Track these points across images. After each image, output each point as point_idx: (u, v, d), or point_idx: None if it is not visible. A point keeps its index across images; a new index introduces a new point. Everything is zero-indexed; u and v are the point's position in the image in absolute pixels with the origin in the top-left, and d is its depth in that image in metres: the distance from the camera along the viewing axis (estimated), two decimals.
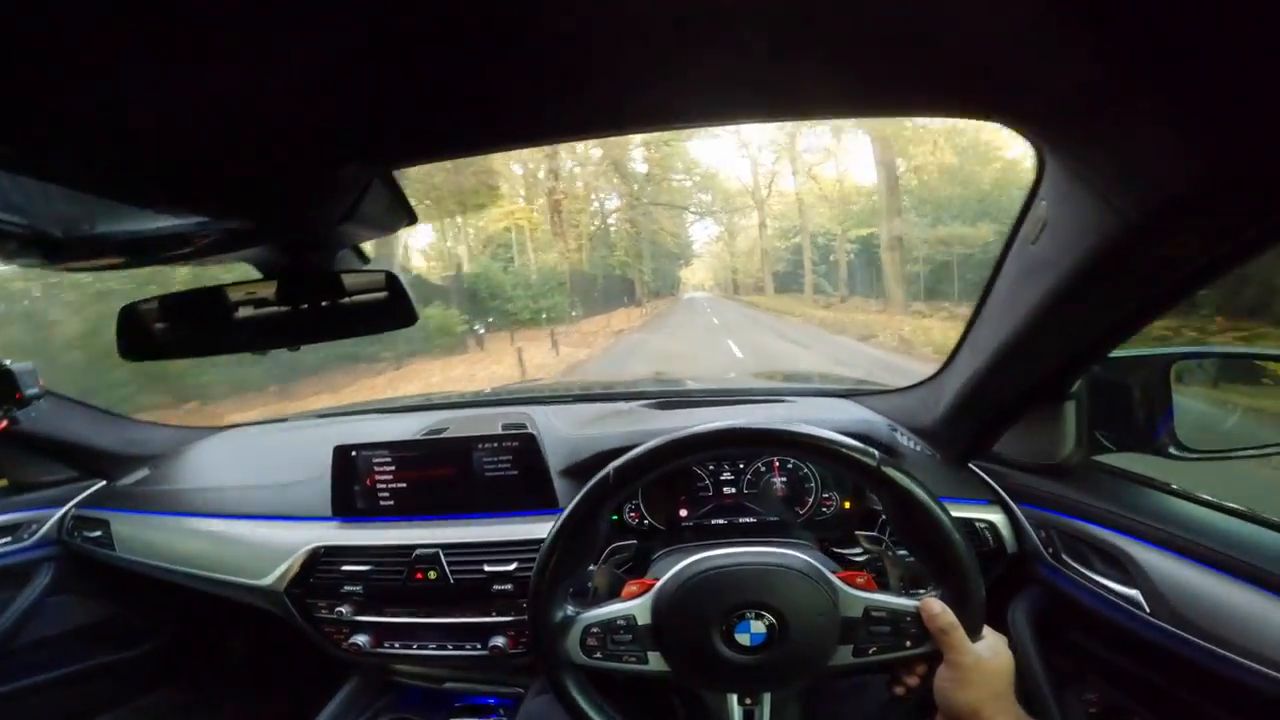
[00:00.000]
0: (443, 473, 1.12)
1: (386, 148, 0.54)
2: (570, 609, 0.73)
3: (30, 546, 1.35)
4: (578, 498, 0.73)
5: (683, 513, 1.10)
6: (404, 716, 1.20)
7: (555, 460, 1.12)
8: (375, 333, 0.71)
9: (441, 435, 1.20)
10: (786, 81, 0.47)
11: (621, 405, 1.37)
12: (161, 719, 1.53)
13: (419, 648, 1.09)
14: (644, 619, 0.71)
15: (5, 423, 1.07)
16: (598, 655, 0.71)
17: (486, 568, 1.04)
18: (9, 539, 1.33)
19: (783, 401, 1.32)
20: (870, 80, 0.47)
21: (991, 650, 0.67)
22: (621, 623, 0.71)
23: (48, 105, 0.36)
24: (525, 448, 1.10)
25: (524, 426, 1.20)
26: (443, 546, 1.05)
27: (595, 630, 0.71)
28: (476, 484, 1.11)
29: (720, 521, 1.10)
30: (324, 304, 0.69)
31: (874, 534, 0.87)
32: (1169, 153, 0.46)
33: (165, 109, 0.39)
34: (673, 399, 1.38)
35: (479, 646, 1.07)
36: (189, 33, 0.31)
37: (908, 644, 0.68)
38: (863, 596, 0.69)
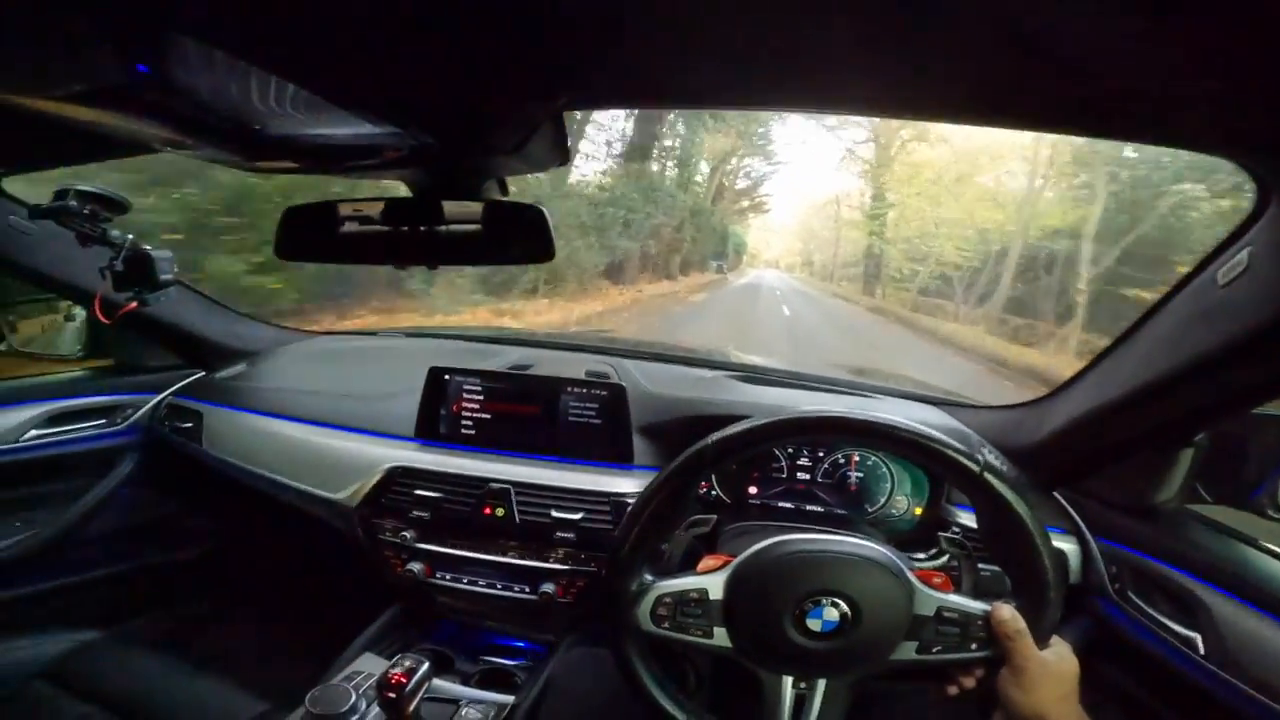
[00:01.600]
0: (527, 410, 1.14)
1: (575, 88, 0.56)
2: (647, 576, 0.74)
3: (121, 431, 1.41)
4: (675, 464, 0.74)
5: (752, 490, 1.11)
6: (436, 648, 1.22)
7: (637, 416, 1.13)
8: (515, 264, 0.74)
9: (529, 372, 1.22)
10: (1014, 87, 0.46)
11: (704, 372, 1.37)
12: (201, 624, 1.58)
13: (469, 583, 1.11)
14: (717, 594, 0.72)
15: (135, 304, 1.14)
16: (666, 625, 0.73)
17: (554, 513, 1.06)
18: (104, 421, 1.39)
19: (870, 398, 1.30)
20: (1105, 101, 0.46)
21: (1058, 658, 0.68)
22: (694, 595, 0.72)
23: None
24: (613, 398, 1.11)
25: (608, 376, 1.21)
26: (515, 484, 1.08)
27: (668, 600, 0.72)
28: (558, 426, 1.13)
29: (788, 505, 1.10)
30: (470, 228, 0.72)
31: (957, 536, 0.87)
32: None
33: (388, 11, 0.42)
34: (758, 376, 1.37)
35: (528, 590, 1.09)
36: None
37: (973, 646, 0.69)
38: (938, 596, 0.70)
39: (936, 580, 0.73)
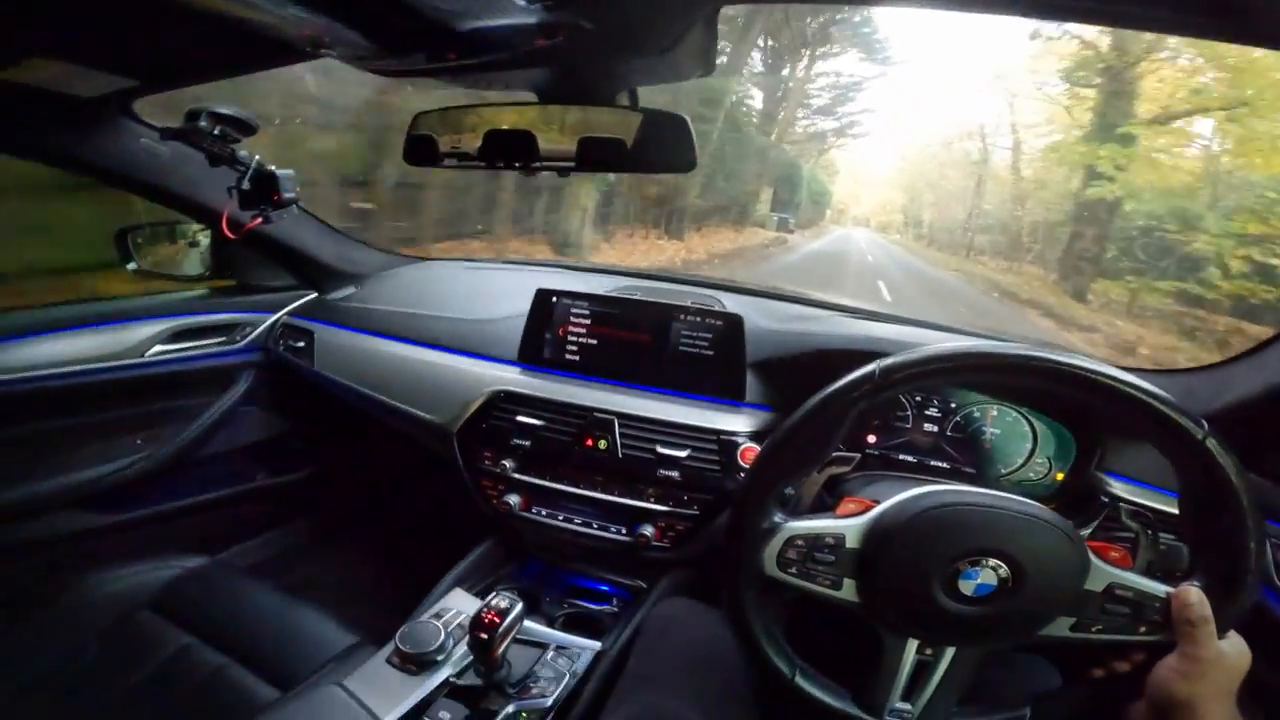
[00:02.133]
0: (637, 337, 1.11)
1: None
2: (777, 516, 0.68)
3: (239, 350, 1.48)
4: (830, 391, 0.65)
5: (871, 439, 1.04)
6: (524, 587, 1.21)
7: (750, 351, 1.07)
8: (657, 172, 0.70)
9: (638, 298, 1.17)
10: None
11: (819, 311, 1.29)
12: (300, 553, 1.65)
13: (565, 520, 1.11)
14: (854, 542, 0.64)
15: (259, 220, 1.19)
16: (792, 571, 0.66)
17: (659, 449, 1.03)
18: (224, 339, 1.46)
19: (1001, 339, 1.17)
20: None
21: (1234, 648, 0.61)
22: (830, 540, 0.65)
23: None
24: (728, 328, 1.06)
25: (717, 307, 1.15)
26: (619, 415, 1.06)
27: (799, 543, 0.65)
28: (667, 357, 1.09)
29: (909, 458, 1.03)
30: (610, 133, 0.68)
31: (1140, 509, 0.78)
32: None
33: None
34: (875, 314, 1.27)
35: (624, 531, 1.08)
36: None
37: (1142, 630, 0.61)
38: (1113, 571, 0.61)
39: (1114, 554, 0.65)
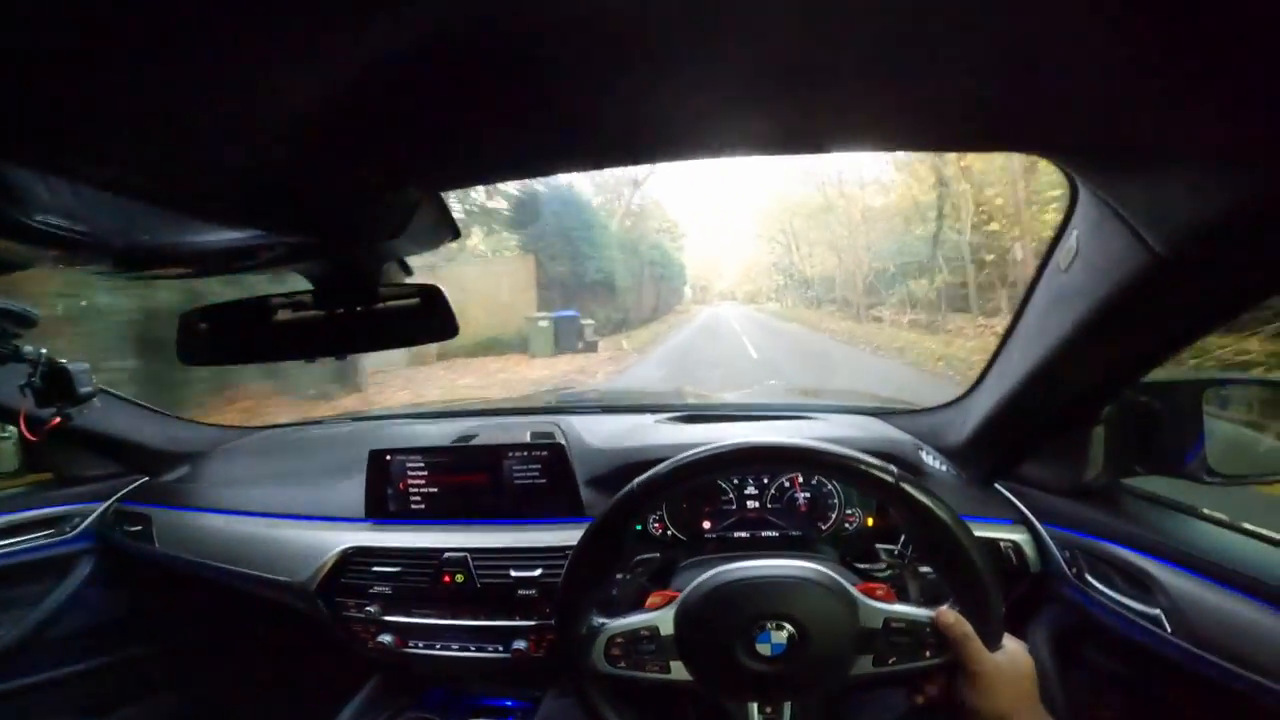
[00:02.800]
0: (473, 479, 1.15)
1: (440, 172, 0.57)
2: (596, 619, 0.75)
3: (72, 539, 1.39)
4: (605, 510, 0.75)
5: (706, 525, 1.12)
6: (424, 716, 1.22)
7: (582, 470, 1.14)
8: (419, 343, 0.74)
9: (472, 442, 1.23)
10: (818, 114, 0.48)
11: (647, 418, 1.39)
12: (182, 713, 1.56)
13: (442, 648, 1.11)
14: (667, 629, 0.72)
15: (59, 420, 1.12)
16: (622, 665, 0.73)
17: (513, 573, 1.06)
18: (52, 531, 1.37)
19: (810, 419, 1.33)
20: (903, 116, 0.48)
21: (1011, 659, 0.68)
22: (645, 633, 0.73)
23: (111, 111, 0.37)
24: (554, 457, 1.12)
25: (552, 436, 1.23)
26: (471, 551, 1.08)
27: (620, 640, 0.73)
28: (505, 491, 1.14)
29: (743, 534, 1.11)
30: (370, 315, 0.72)
31: (895, 548, 0.89)
32: (1201, 190, 0.48)
33: (231, 125, 0.42)
34: (699, 413, 1.39)
35: (501, 649, 1.08)
36: (250, 33, 0.32)
37: (927, 654, 0.69)
38: (882, 608, 0.70)
39: (879, 592, 0.74)
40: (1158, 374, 0.82)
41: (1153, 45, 0.35)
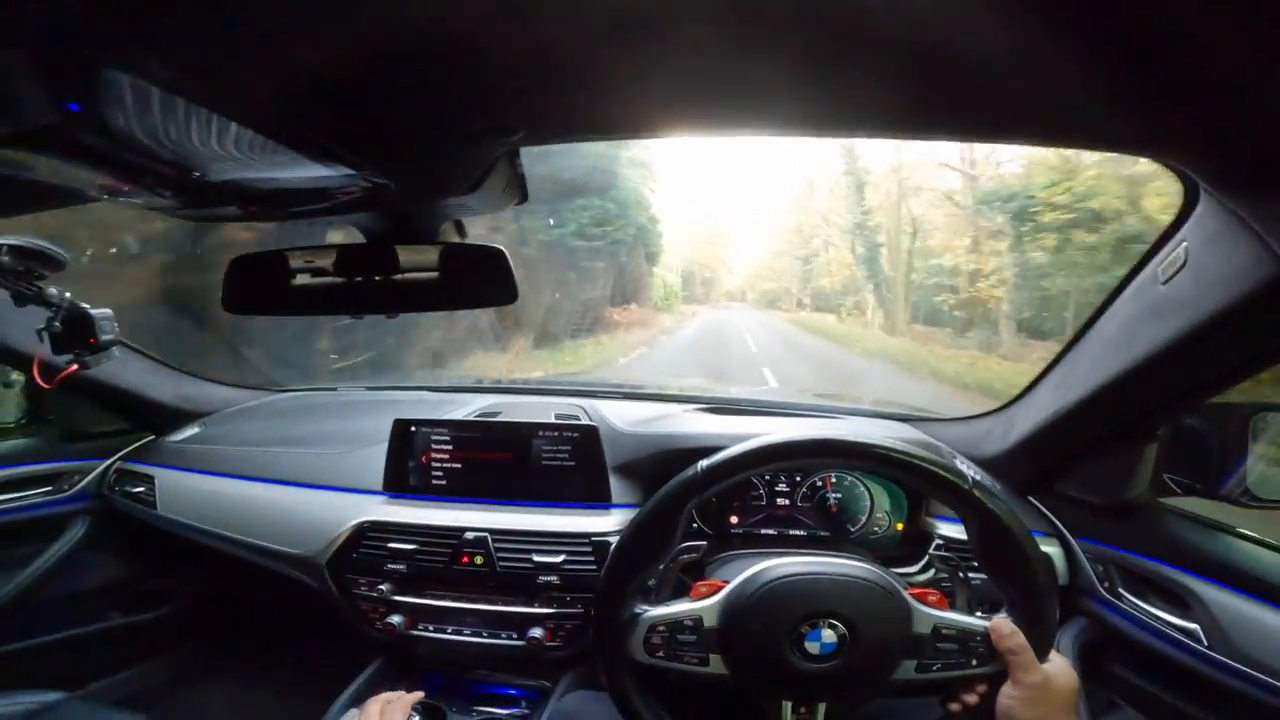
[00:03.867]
0: (499, 457, 1.12)
1: (526, 123, 0.55)
2: (638, 607, 0.73)
3: (68, 498, 1.36)
4: (665, 491, 0.73)
5: (733, 520, 1.10)
6: (427, 701, 1.20)
7: (611, 456, 1.12)
8: (477, 306, 0.72)
9: (497, 419, 1.20)
10: (934, 99, 0.47)
11: (674, 407, 1.37)
12: (174, 682, 1.53)
13: (454, 633, 1.08)
14: (711, 621, 0.71)
15: (75, 366, 1.09)
16: (660, 654, 0.71)
17: (535, 558, 1.04)
18: (48, 489, 1.34)
19: (838, 418, 1.31)
20: (1028, 108, 0.47)
21: (1059, 672, 0.68)
22: (689, 623, 0.71)
23: (219, 32, 0.36)
24: (585, 439, 1.10)
25: (578, 418, 1.21)
26: (492, 532, 1.05)
27: (661, 629, 0.71)
28: (532, 471, 1.11)
29: (770, 532, 1.10)
30: (430, 272, 0.70)
31: (946, 554, 0.88)
32: None
33: (333, 55, 0.41)
34: (726, 406, 1.37)
35: (515, 636, 1.06)
36: None
37: (973, 663, 0.68)
38: (934, 614, 0.69)
39: (931, 598, 0.72)
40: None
41: None
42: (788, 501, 1.10)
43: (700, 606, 0.72)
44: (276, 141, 0.49)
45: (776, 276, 27.02)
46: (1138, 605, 0.87)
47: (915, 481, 0.71)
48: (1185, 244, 0.65)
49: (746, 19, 0.37)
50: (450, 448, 1.13)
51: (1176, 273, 0.66)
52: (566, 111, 0.54)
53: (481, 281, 0.71)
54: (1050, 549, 0.98)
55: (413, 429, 1.14)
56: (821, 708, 0.71)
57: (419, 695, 0.91)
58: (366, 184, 0.58)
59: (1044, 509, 1.03)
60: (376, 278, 0.71)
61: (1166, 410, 0.82)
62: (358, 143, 0.52)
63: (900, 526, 1.08)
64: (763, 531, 1.09)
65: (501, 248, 0.70)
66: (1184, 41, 0.36)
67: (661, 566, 0.85)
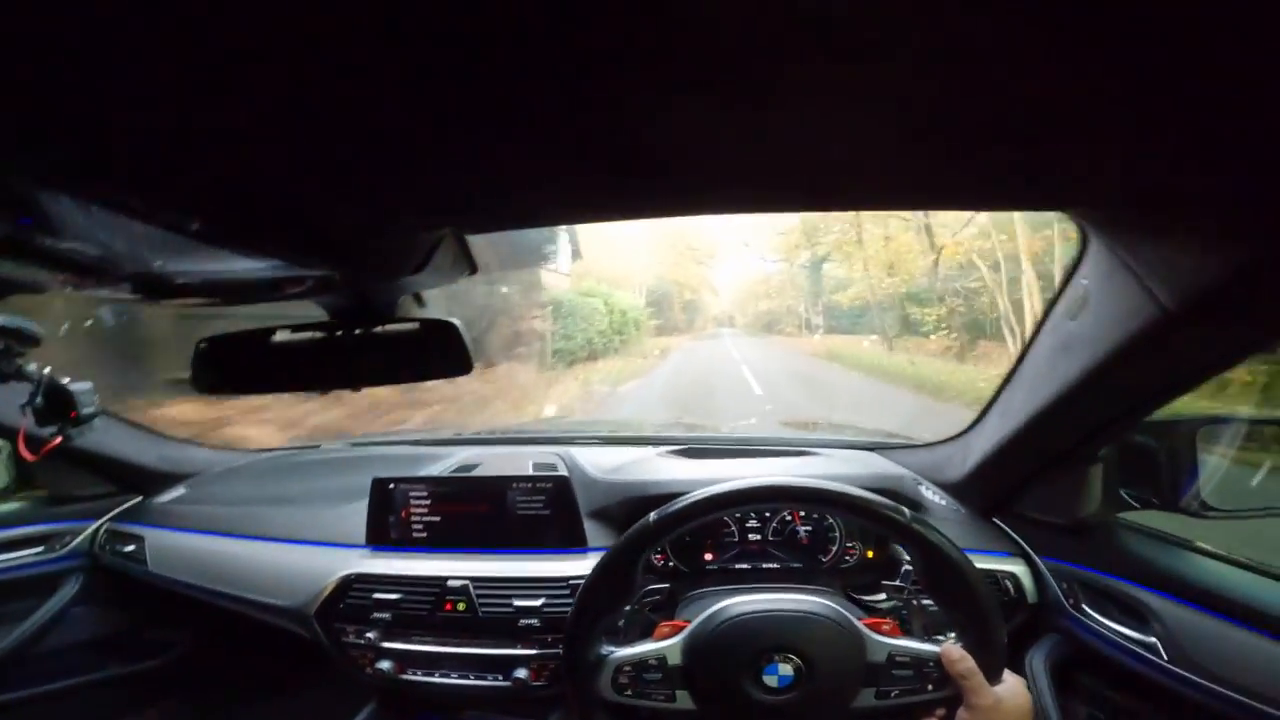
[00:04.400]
0: (477, 509, 1.15)
1: (465, 218, 0.58)
2: (604, 648, 0.76)
3: (60, 557, 1.38)
4: (619, 542, 0.76)
5: (708, 557, 1.13)
6: None
7: (585, 502, 1.15)
8: (433, 379, 0.75)
9: (475, 472, 1.24)
10: (842, 172, 0.50)
11: (650, 451, 1.40)
12: None
13: (442, 676, 1.10)
14: (675, 659, 0.74)
15: (59, 439, 1.11)
16: (628, 693, 0.75)
17: (515, 602, 1.06)
18: (41, 548, 1.36)
19: (808, 454, 1.34)
20: (927, 175, 0.50)
21: (1010, 693, 0.71)
22: (653, 662, 0.75)
23: (156, 148, 0.39)
24: (558, 489, 1.13)
25: (555, 468, 1.24)
26: (473, 580, 1.08)
27: (628, 669, 0.75)
28: (509, 521, 1.14)
29: (745, 566, 1.12)
30: (384, 348, 0.73)
31: (898, 583, 0.90)
32: (1208, 246, 0.50)
33: (259, 156, 0.43)
34: (700, 447, 1.41)
35: (501, 678, 1.08)
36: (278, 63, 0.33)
37: (929, 687, 0.71)
38: (887, 642, 0.73)
39: (885, 627, 0.76)
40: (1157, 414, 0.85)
41: (1167, 103, 0.37)
42: (759, 536, 1.13)
43: (664, 646, 0.75)
44: (216, 244, 0.52)
45: (775, 293, 22.87)
46: (1100, 621, 0.89)
47: (857, 519, 0.74)
48: (1085, 283, 0.69)
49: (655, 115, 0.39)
50: (429, 502, 1.16)
51: (1080, 311, 0.70)
52: (498, 205, 0.56)
53: (437, 354, 0.73)
54: (1017, 568, 1.01)
55: (391, 486, 1.17)
56: None
57: None
58: (314, 274, 0.61)
59: (1008, 529, 1.06)
60: (340, 355, 0.74)
61: (1097, 436, 0.85)
62: (295, 242, 0.54)
63: (871, 554, 1.10)
64: (737, 566, 1.12)
65: (454, 321, 0.73)
66: (1059, 110, 0.39)
67: (626, 609, 0.88)
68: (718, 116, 0.40)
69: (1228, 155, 0.41)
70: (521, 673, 1.06)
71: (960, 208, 0.56)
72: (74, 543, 1.40)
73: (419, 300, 0.82)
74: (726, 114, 0.40)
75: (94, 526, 1.42)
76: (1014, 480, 1.01)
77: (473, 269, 0.75)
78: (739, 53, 0.32)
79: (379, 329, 0.72)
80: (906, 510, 0.71)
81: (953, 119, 0.40)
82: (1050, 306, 0.77)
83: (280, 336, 0.74)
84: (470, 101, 0.38)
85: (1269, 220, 0.45)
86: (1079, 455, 0.90)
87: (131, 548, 1.35)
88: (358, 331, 0.73)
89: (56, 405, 1.08)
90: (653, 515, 0.75)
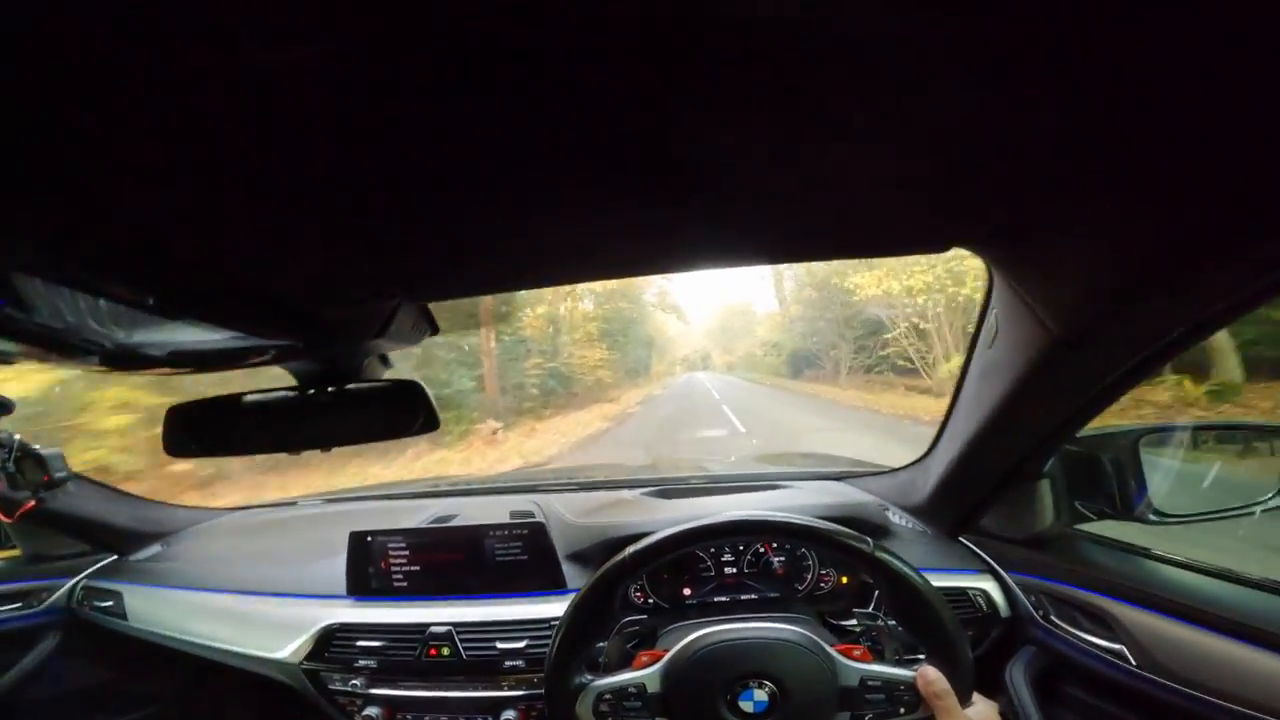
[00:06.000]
0: (455, 557, 1.16)
1: (419, 288, 0.61)
2: (584, 677, 0.78)
3: (38, 613, 1.36)
4: (595, 577, 0.78)
5: (686, 591, 1.14)
6: None
7: (562, 545, 1.16)
8: (402, 436, 0.77)
9: (452, 522, 1.25)
10: (742, 231, 0.54)
11: (625, 494, 1.43)
12: None
13: (431, 719, 1.10)
14: (654, 687, 0.76)
15: (34, 503, 1.11)
16: None
17: (499, 645, 1.07)
18: (19, 605, 1.35)
19: (779, 488, 1.37)
20: (831, 228, 0.54)
21: (980, 716, 0.72)
22: (633, 690, 0.76)
23: (120, 232, 0.41)
24: (534, 535, 1.14)
25: (531, 515, 1.25)
26: (455, 625, 1.09)
27: (608, 697, 0.76)
28: (488, 567, 1.15)
29: (723, 599, 1.13)
30: (350, 409, 0.75)
31: (869, 610, 0.93)
32: (1088, 269, 0.54)
33: (215, 234, 0.46)
34: (672, 488, 1.43)
35: (490, 719, 1.08)
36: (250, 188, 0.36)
37: (902, 710, 0.73)
38: (859, 667, 0.74)
39: (856, 653, 0.77)
40: (1096, 424, 0.89)
41: (1048, 129, 0.40)
42: (735, 570, 1.14)
43: (643, 674, 0.77)
44: (182, 320, 0.54)
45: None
46: (1070, 630, 0.92)
47: (822, 550, 0.77)
48: (995, 313, 0.73)
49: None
50: (407, 553, 1.17)
51: (994, 338, 0.74)
52: (446, 275, 0.59)
53: (405, 412, 0.75)
54: (986, 584, 1.03)
55: (369, 539, 1.17)
56: None
57: None
58: (277, 344, 0.63)
59: (974, 548, 1.09)
60: (309, 417, 0.76)
61: (1035, 453, 0.89)
62: (255, 314, 0.57)
63: (845, 580, 1.12)
64: (716, 599, 1.13)
65: (417, 380, 0.75)
66: (965, 168, 0.43)
67: (605, 642, 0.89)
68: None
69: (1100, 185, 0.45)
70: (510, 713, 1.06)
71: (855, 255, 0.60)
72: (51, 599, 1.38)
73: (385, 361, 0.84)
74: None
75: (71, 584, 1.40)
76: (972, 499, 1.04)
77: (434, 330, 0.77)
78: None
79: (347, 389, 0.74)
80: (869, 540, 0.74)
81: (845, 164, 0.43)
82: (975, 337, 0.82)
83: (250, 400, 0.76)
84: (417, 174, 0.41)
85: (1141, 247, 0.49)
86: (1023, 472, 0.94)
87: (110, 603, 1.34)
88: (326, 393, 0.75)
89: (29, 469, 1.09)
90: (628, 550, 0.78)
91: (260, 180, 0.38)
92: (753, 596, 1.13)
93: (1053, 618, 0.95)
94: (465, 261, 0.57)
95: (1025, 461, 0.90)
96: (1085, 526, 1.01)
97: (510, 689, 1.07)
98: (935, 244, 0.60)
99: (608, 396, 14.84)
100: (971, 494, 1.02)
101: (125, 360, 0.68)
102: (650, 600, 1.14)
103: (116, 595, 1.34)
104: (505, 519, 1.21)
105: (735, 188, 0.45)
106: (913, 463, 1.21)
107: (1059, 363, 0.64)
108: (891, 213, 0.52)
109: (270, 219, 0.44)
